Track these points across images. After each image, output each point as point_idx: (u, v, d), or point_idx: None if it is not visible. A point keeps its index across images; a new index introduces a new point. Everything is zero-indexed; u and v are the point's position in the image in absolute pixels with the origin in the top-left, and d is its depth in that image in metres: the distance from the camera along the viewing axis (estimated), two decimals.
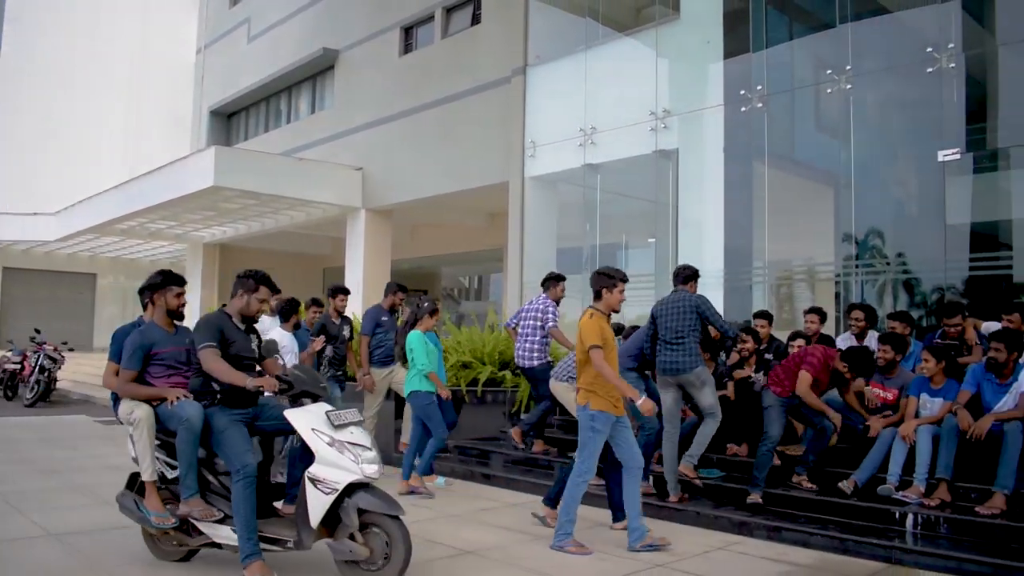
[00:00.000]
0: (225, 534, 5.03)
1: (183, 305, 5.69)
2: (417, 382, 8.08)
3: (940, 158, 9.89)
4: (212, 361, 5.08)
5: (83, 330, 28.64)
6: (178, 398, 5.16)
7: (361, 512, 4.81)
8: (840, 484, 6.95)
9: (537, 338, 9.26)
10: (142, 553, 5.57)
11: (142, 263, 29.65)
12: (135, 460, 5.30)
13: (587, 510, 7.44)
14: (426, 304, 8.27)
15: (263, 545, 4.95)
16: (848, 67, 10.81)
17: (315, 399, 5.19)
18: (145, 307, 6.11)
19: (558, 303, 9.51)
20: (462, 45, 17.24)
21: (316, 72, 22.48)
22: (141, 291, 6.04)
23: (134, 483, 5.41)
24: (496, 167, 15.56)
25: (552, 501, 6.86)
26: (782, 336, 9.31)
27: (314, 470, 4.83)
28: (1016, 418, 6.33)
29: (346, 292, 9.61)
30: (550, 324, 9.24)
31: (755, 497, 7.12)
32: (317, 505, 4.80)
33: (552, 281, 9.51)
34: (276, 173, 18.61)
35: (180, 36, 31.19)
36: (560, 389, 8.49)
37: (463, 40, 17.29)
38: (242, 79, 25.24)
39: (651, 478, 7.71)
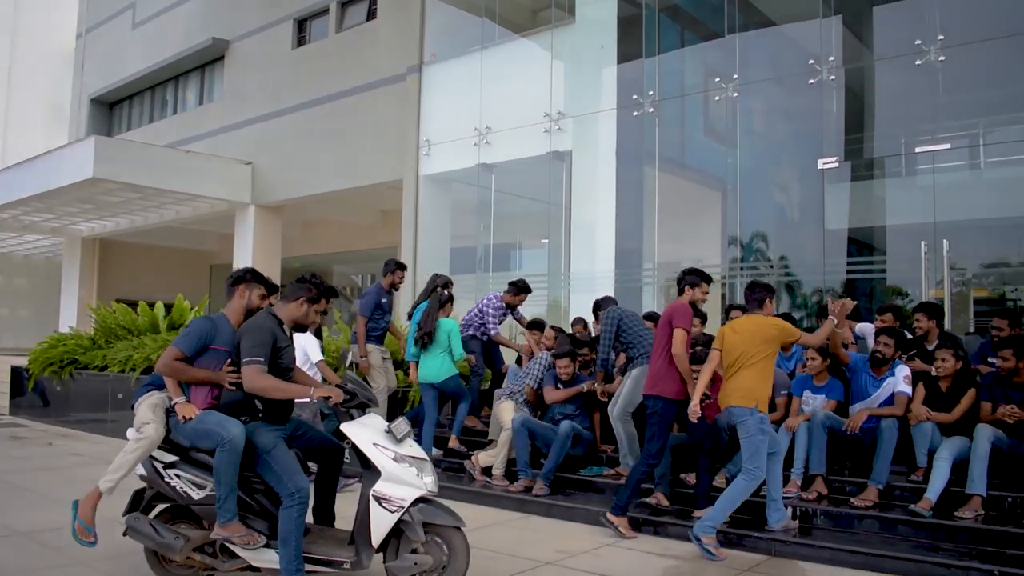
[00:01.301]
0: (270, 558, 4.65)
1: (261, 308, 5.08)
2: (455, 367, 8.61)
3: (820, 166, 10.33)
4: (260, 379, 4.61)
5: None
6: (231, 385, 4.72)
7: (425, 524, 4.62)
8: (689, 477, 7.19)
9: (475, 324, 9.52)
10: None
11: (15, 257, 28.18)
12: (143, 478, 4.83)
13: (481, 511, 7.46)
14: (447, 292, 8.84)
15: (316, 568, 4.65)
16: (735, 76, 11.16)
17: (363, 410, 4.87)
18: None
19: (511, 309, 9.61)
20: (357, 40, 17.03)
21: (205, 62, 21.83)
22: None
23: (139, 502, 4.93)
24: (390, 165, 15.44)
25: (623, 509, 6.69)
26: None
27: (380, 488, 4.58)
28: (892, 415, 6.66)
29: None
30: (492, 332, 9.43)
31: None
32: (382, 524, 4.57)
33: (514, 288, 9.57)
34: (161, 166, 17.94)
35: (58, 19, 29.79)
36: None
37: (358, 35, 17.08)
38: (126, 67, 24.29)
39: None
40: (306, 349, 7.64)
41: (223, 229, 20.67)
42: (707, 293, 6.90)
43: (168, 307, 13.89)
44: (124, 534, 4.87)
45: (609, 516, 6.66)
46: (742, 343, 6.27)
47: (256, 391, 4.65)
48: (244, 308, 4.99)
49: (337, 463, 5.13)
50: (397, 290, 9.60)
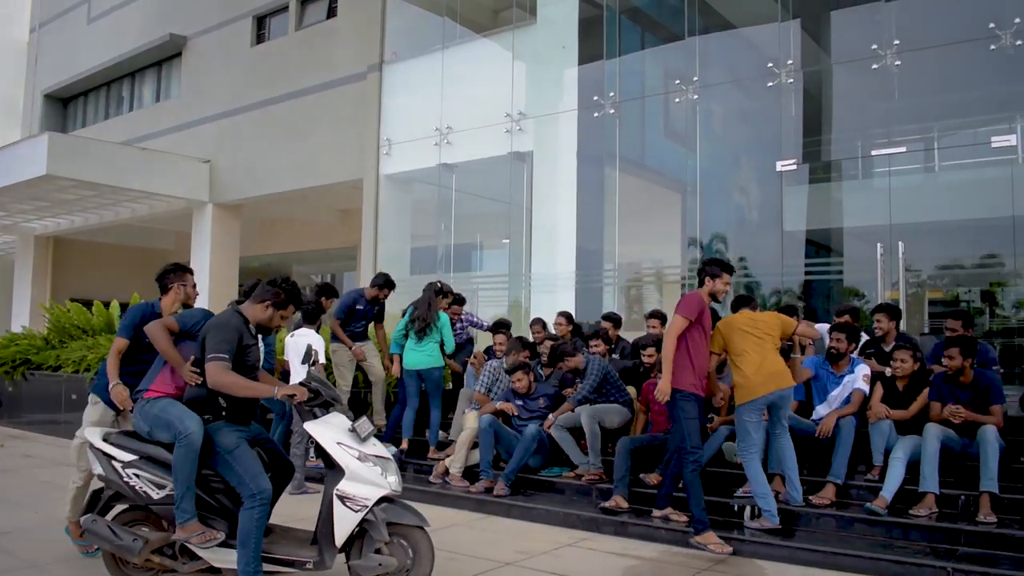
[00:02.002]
0: (231, 558, 4.56)
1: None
2: (443, 359, 8.84)
3: (778, 168, 10.43)
4: (223, 375, 4.53)
5: None
6: (194, 383, 4.69)
7: (388, 524, 4.60)
8: (648, 477, 7.22)
9: None
10: None
11: None
12: (101, 478, 4.75)
13: (440, 511, 7.43)
14: (440, 284, 9.11)
15: (278, 568, 4.61)
16: (695, 78, 11.23)
17: (327, 408, 4.80)
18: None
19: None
20: (317, 38, 16.89)
21: (162, 59, 21.52)
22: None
23: (96, 503, 4.84)
24: (350, 164, 15.33)
25: (703, 524, 6.17)
26: (630, 337, 9.54)
27: (344, 487, 4.53)
28: (850, 413, 6.76)
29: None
30: None
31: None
32: (345, 523, 4.53)
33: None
34: (117, 163, 17.65)
35: (10, 12, 29.18)
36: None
37: (318, 33, 16.94)
38: (81, 62, 23.87)
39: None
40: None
41: (180, 228, 20.40)
42: (728, 284, 6.50)
43: (124, 306, 13.65)
44: (80, 536, 4.79)
45: (695, 539, 6.13)
46: (754, 329, 6.35)
47: (219, 387, 4.57)
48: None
49: (286, 479, 5.10)
50: (378, 304, 9.44)
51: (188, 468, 4.49)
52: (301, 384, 4.75)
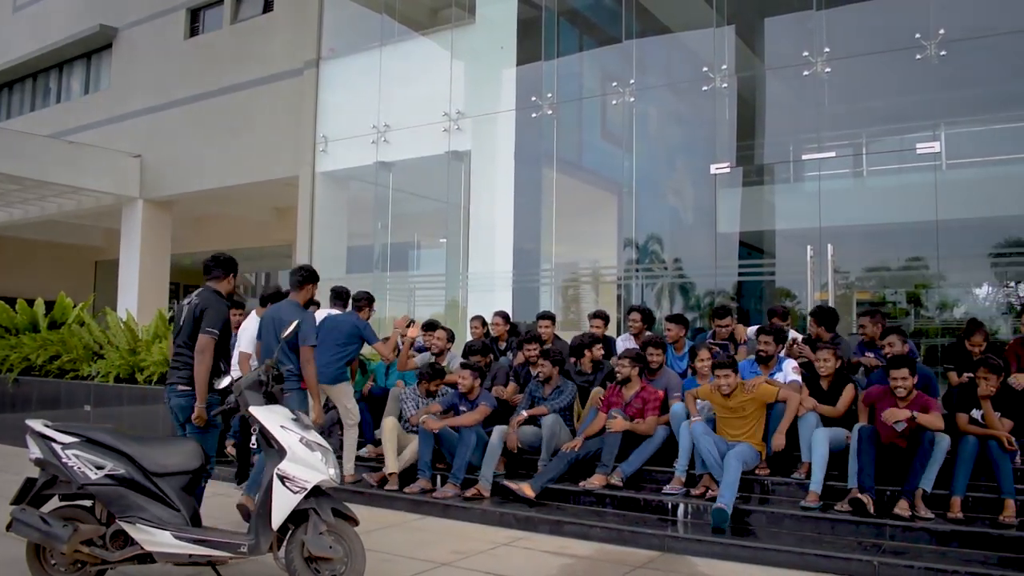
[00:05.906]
0: (166, 541, 4.58)
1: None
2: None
3: (712, 171, 10.60)
4: (206, 353, 5.28)
5: None
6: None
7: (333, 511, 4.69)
8: (610, 478, 7.27)
9: None
10: None
11: None
12: (38, 461, 4.70)
13: (375, 512, 7.39)
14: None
15: (212, 552, 4.64)
16: (632, 81, 11.35)
17: (272, 401, 4.99)
18: None
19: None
20: (253, 32, 16.64)
21: (91, 50, 20.97)
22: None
23: (27, 493, 4.74)
24: (286, 161, 15.14)
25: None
26: (567, 336, 9.58)
27: (285, 467, 4.59)
28: (790, 399, 6.90)
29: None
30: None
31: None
32: (283, 504, 4.56)
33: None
34: (42, 156, 17.16)
35: None
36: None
37: (254, 27, 16.69)
38: (5, 52, 23.15)
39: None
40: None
41: (109, 224, 19.94)
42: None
43: (49, 304, 13.29)
44: (8, 528, 4.67)
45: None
46: None
47: (197, 356, 5.28)
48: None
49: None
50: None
51: None
52: (261, 374, 5.01)
